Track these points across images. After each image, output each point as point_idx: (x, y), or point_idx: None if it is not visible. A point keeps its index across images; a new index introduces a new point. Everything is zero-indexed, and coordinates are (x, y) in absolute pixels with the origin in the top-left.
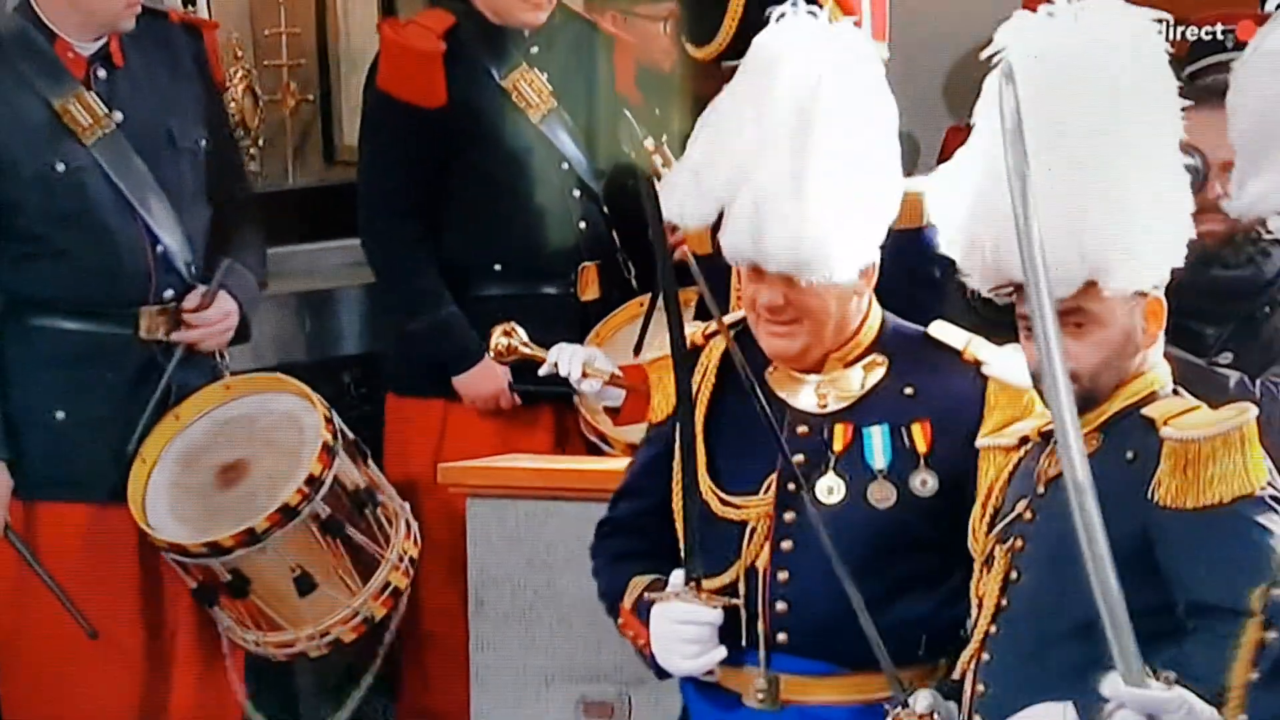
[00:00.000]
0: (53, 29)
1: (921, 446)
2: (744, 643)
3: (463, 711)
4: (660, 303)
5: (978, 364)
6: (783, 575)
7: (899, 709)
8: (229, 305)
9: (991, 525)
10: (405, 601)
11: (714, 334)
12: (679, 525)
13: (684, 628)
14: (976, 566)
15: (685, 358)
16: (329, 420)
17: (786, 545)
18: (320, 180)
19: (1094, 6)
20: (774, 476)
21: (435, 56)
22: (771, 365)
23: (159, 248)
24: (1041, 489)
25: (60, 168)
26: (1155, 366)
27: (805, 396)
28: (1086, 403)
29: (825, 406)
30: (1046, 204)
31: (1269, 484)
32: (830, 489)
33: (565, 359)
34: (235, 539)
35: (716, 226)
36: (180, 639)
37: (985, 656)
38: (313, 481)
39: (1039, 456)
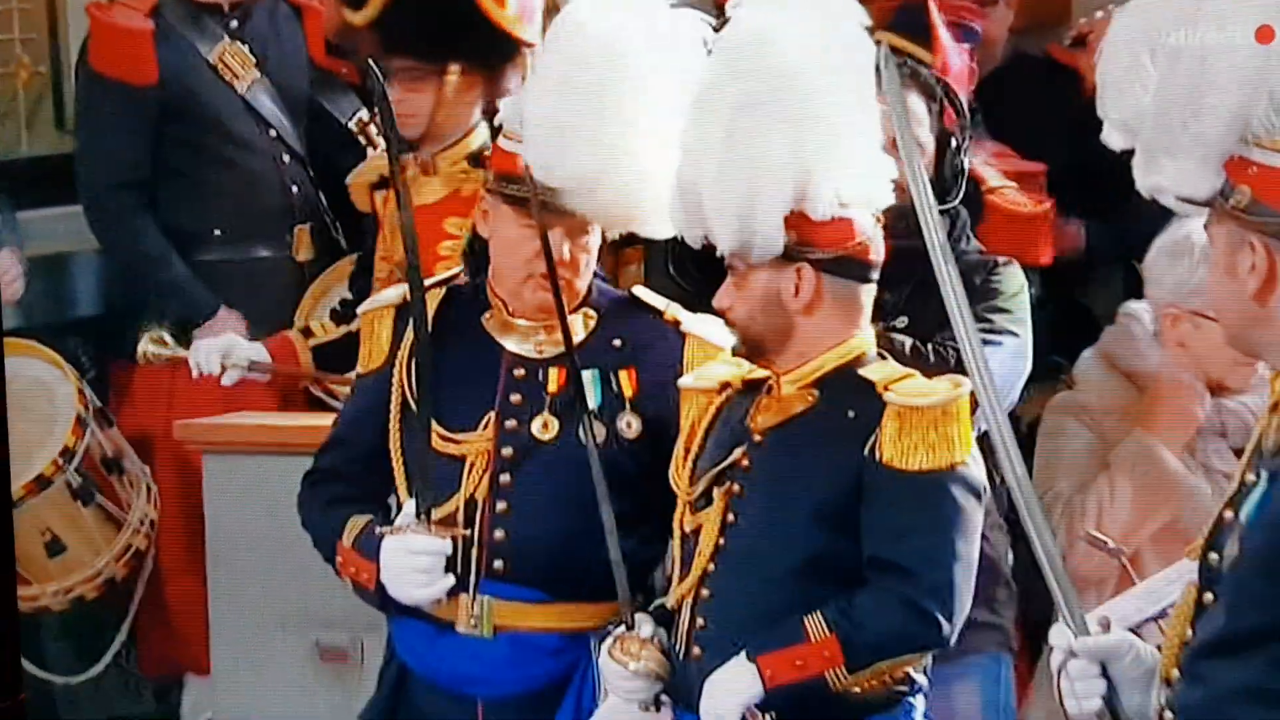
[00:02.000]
0: None
1: (628, 391)
2: (460, 571)
3: (202, 661)
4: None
5: (677, 323)
6: (501, 505)
7: (622, 629)
8: (11, 257)
9: (695, 464)
10: (149, 562)
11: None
12: (396, 465)
13: (417, 558)
14: (681, 500)
15: (421, 310)
16: (81, 392)
17: (505, 479)
18: (53, 149)
19: None
20: (492, 414)
21: (144, 34)
22: (488, 313)
23: None
24: (759, 438)
25: None
26: (863, 330)
27: (522, 342)
28: (753, 351)
29: (542, 352)
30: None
31: (966, 461)
32: (545, 425)
33: (202, 358)
34: None
35: (380, 183)
36: None
37: (704, 592)
38: (66, 453)
39: (746, 406)
